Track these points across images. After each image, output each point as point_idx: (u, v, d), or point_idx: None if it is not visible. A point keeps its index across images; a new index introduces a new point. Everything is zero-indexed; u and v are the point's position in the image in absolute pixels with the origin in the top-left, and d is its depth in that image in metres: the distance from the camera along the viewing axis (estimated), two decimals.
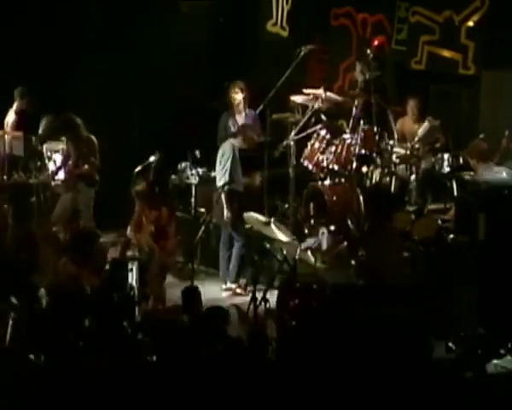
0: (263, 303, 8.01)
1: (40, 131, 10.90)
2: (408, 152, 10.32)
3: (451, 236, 9.04)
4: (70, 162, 10.42)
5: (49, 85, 11.65)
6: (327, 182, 10.37)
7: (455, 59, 11.19)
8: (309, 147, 10.56)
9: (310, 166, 10.48)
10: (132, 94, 12.28)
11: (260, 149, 10.51)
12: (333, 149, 10.37)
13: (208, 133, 10.98)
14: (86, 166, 10.28)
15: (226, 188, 9.72)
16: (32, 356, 6.36)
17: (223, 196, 9.72)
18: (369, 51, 10.89)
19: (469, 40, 11.07)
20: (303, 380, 5.97)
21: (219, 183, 9.81)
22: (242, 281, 9.77)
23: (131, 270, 8.14)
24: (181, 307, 7.30)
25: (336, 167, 10.30)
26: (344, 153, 10.30)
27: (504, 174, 9.22)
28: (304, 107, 10.79)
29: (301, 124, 10.64)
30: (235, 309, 8.21)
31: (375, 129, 10.39)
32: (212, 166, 10.45)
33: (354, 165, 10.26)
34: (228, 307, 7.68)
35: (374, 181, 10.28)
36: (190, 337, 6.46)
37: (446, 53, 11.26)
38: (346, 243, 9.43)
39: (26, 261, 8.24)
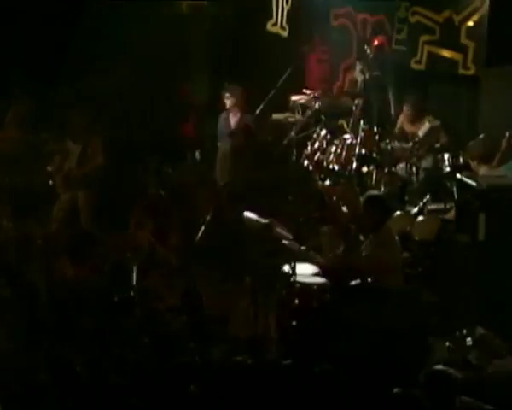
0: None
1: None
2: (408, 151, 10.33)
3: (451, 236, 9.04)
4: (70, 162, 10.43)
5: (49, 85, 11.64)
6: (327, 182, 10.37)
7: (455, 59, 11.19)
8: (309, 147, 10.56)
9: (310, 167, 10.48)
10: (132, 94, 12.26)
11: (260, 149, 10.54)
12: (333, 149, 10.37)
13: (208, 133, 10.99)
14: (90, 166, 10.30)
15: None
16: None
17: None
18: (369, 51, 10.90)
19: (469, 40, 11.07)
20: (303, 380, 5.98)
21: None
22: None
23: (132, 270, 8.15)
24: None
25: (336, 167, 10.31)
26: (344, 153, 10.31)
27: (506, 175, 9.22)
28: (304, 107, 10.80)
29: (301, 124, 10.64)
30: None
31: (375, 129, 10.40)
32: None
33: (354, 165, 10.26)
34: None
35: (374, 181, 10.28)
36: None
37: (446, 53, 11.26)
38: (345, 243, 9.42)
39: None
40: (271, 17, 12.38)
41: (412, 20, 11.50)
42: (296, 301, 7.66)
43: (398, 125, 10.82)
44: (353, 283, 7.72)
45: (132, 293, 8.00)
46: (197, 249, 9.49)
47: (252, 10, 12.24)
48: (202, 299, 7.85)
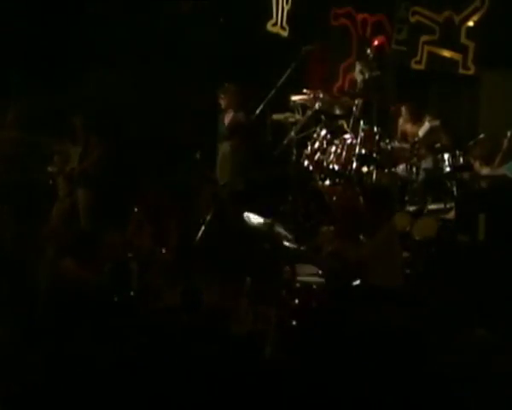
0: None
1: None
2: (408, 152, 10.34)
3: (451, 236, 9.04)
4: (71, 163, 10.43)
5: (48, 85, 11.64)
6: (327, 182, 10.37)
7: (455, 59, 11.21)
8: (309, 147, 10.56)
9: (310, 167, 10.48)
10: (132, 94, 12.26)
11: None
12: (333, 149, 10.37)
13: (208, 133, 10.99)
14: (89, 160, 10.31)
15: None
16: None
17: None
18: (369, 51, 10.90)
19: (469, 40, 11.09)
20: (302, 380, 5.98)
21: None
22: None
23: (132, 270, 8.14)
24: None
25: (336, 167, 10.30)
26: (344, 153, 10.30)
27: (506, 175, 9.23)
28: (304, 107, 10.80)
29: (301, 124, 10.64)
30: None
31: (375, 129, 10.40)
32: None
33: (354, 165, 10.26)
34: None
35: (374, 181, 10.28)
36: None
37: (446, 53, 11.29)
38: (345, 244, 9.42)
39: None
40: (271, 17, 12.40)
41: (412, 20, 11.52)
42: (296, 301, 7.65)
43: (398, 125, 10.82)
44: (353, 283, 7.72)
45: (132, 293, 7.99)
46: (197, 249, 9.49)
47: (252, 10, 12.25)
48: (202, 299, 7.84)
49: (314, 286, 7.77)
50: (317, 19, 12.20)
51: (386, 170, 10.30)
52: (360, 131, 10.30)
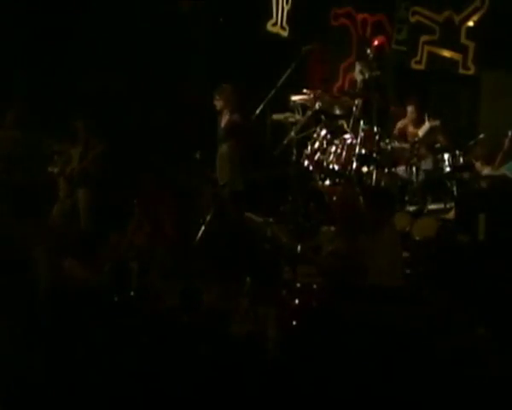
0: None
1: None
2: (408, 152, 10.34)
3: (451, 236, 9.04)
4: (71, 163, 10.44)
5: (49, 85, 11.65)
6: (327, 182, 10.37)
7: (455, 59, 11.22)
8: (309, 147, 10.56)
9: (310, 167, 10.48)
10: (132, 94, 12.27)
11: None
12: (333, 149, 10.37)
13: (208, 133, 10.99)
14: (89, 157, 10.32)
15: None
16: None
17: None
18: (369, 51, 10.90)
19: (469, 40, 11.10)
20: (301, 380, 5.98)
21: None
22: None
23: (132, 270, 8.14)
24: None
25: (336, 167, 10.30)
26: (344, 153, 10.31)
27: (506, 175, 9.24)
28: (304, 107, 10.80)
29: (301, 124, 10.65)
30: None
31: (375, 129, 10.40)
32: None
33: (354, 165, 10.26)
34: None
35: (374, 181, 10.28)
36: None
37: (446, 53, 11.30)
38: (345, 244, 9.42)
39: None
40: (271, 17, 12.41)
41: (412, 20, 11.53)
42: (296, 301, 7.66)
43: (398, 125, 10.82)
44: (353, 282, 7.72)
45: (132, 293, 7.99)
46: (197, 249, 9.49)
47: (252, 10, 12.27)
48: (202, 299, 7.84)
49: (314, 286, 7.78)
50: (317, 19, 12.20)
51: (386, 170, 10.29)
52: (360, 131, 10.29)
